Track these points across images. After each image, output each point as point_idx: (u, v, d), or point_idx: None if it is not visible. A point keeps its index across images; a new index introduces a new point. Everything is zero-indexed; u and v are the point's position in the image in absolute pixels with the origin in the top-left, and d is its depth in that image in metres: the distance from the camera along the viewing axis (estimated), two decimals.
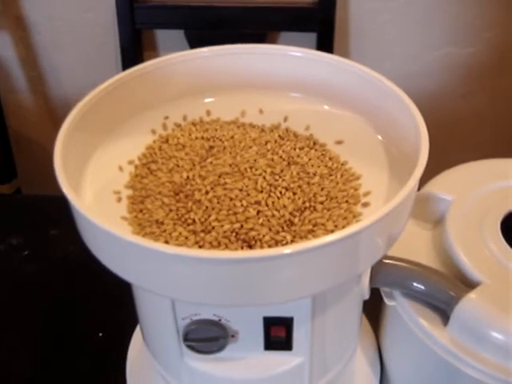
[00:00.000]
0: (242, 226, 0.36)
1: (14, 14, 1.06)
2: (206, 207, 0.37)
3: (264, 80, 0.48)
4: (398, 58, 1.05)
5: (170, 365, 0.45)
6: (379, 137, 0.44)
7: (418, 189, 0.36)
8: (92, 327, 0.60)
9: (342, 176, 0.40)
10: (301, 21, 0.97)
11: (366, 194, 0.39)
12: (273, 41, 1.03)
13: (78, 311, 0.63)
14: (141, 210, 0.37)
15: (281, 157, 0.41)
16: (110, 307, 0.62)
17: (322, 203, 0.38)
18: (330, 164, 0.41)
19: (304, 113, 0.47)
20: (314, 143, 0.43)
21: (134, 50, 1.03)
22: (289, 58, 0.47)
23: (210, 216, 0.36)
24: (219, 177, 0.39)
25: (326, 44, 0.98)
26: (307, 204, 0.37)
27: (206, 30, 1.01)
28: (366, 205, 0.38)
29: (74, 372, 0.57)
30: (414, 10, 0.99)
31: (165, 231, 0.36)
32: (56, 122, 1.19)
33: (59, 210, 0.62)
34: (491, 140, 1.14)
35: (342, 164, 0.41)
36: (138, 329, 0.57)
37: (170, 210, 0.37)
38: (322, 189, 0.39)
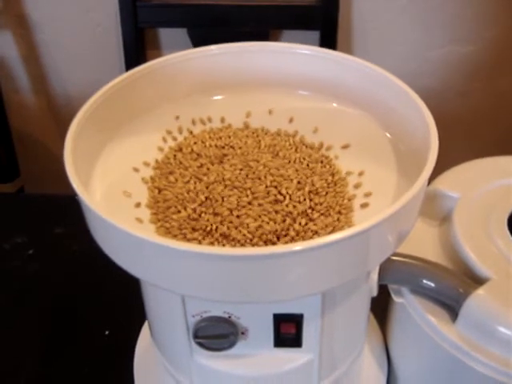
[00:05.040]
0: (260, 233, 0.36)
1: (15, 13, 1.05)
2: (222, 215, 0.37)
3: (272, 78, 0.48)
4: (399, 56, 1.05)
5: (179, 362, 0.45)
6: (387, 134, 0.44)
7: None
8: (98, 325, 0.60)
9: (337, 191, 0.40)
10: (304, 19, 0.97)
11: (368, 194, 0.39)
12: (275, 39, 1.03)
13: (84, 309, 0.63)
14: (166, 221, 0.37)
15: (290, 168, 0.41)
16: (115, 305, 0.62)
17: (318, 212, 0.38)
18: (330, 178, 0.40)
19: (312, 111, 0.47)
20: (322, 154, 0.43)
21: (136, 49, 1.03)
22: (297, 56, 0.47)
23: (227, 222, 0.37)
24: (233, 187, 0.39)
25: (329, 42, 0.98)
26: (305, 216, 0.37)
27: (209, 29, 1.01)
28: (365, 206, 0.38)
29: (81, 371, 0.57)
30: (416, 9, 0.99)
31: (193, 238, 0.36)
32: (59, 120, 1.18)
33: (63, 209, 0.63)
34: (491, 138, 1.14)
35: (341, 179, 0.41)
36: (145, 326, 0.57)
37: (193, 219, 0.37)
38: (321, 203, 0.38)
